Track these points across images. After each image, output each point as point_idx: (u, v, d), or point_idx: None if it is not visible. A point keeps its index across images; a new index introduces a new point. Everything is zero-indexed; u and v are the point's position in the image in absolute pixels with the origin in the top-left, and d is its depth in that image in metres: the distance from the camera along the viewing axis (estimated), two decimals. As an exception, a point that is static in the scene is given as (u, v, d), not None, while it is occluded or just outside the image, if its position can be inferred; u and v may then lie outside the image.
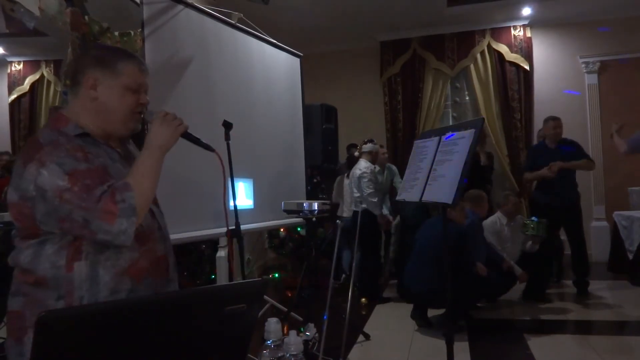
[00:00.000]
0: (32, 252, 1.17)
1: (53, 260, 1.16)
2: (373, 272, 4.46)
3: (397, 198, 2.39)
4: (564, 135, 4.52)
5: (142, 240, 1.24)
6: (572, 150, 4.34)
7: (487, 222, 4.24)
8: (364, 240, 4.06)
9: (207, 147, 1.42)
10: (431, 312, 3.76)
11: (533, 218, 4.09)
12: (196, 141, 1.39)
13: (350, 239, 4.94)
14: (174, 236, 2.68)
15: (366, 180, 4.32)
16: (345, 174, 5.40)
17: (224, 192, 1.52)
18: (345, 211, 5.09)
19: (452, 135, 2.08)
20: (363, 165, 4.44)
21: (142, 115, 1.33)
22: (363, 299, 4.14)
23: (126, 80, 1.27)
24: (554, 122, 4.42)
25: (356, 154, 4.69)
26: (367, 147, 4.54)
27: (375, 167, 4.50)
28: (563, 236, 4.73)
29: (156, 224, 1.33)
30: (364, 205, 4.33)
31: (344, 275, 5.08)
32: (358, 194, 4.40)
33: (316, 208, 3.16)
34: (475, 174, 4.67)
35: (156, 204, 1.39)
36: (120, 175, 1.22)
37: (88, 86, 1.26)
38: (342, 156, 5.21)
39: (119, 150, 1.33)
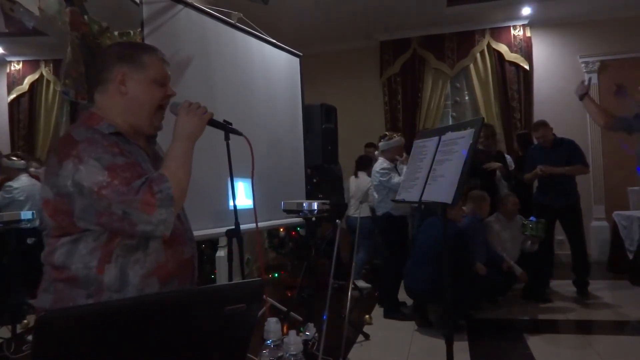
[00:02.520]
0: (65, 251, 1.18)
1: (86, 261, 1.17)
2: (393, 280, 4.01)
3: (397, 198, 2.39)
4: (564, 135, 4.52)
5: (170, 242, 1.24)
6: (567, 153, 4.34)
7: (486, 222, 4.25)
8: (391, 246, 3.96)
9: (235, 132, 1.42)
10: (431, 313, 3.76)
11: (532, 218, 4.10)
12: (223, 127, 1.40)
13: (360, 239, 4.98)
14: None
15: (385, 180, 3.87)
16: (354, 174, 5.43)
17: (252, 179, 1.50)
18: (351, 210, 5.09)
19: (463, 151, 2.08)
20: (379, 165, 4.00)
21: (164, 111, 1.34)
22: (367, 317, 3.79)
23: (152, 73, 1.29)
24: (538, 132, 4.43)
25: (376, 152, 4.29)
26: (383, 144, 4.08)
27: (396, 165, 4.02)
28: (562, 236, 4.74)
29: (182, 226, 1.34)
30: (379, 210, 4.00)
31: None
32: (379, 197, 3.98)
33: (316, 208, 3.16)
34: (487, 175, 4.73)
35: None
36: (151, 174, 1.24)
37: (117, 82, 1.27)
38: (342, 156, 5.21)
39: (148, 151, 1.35)
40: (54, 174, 1.16)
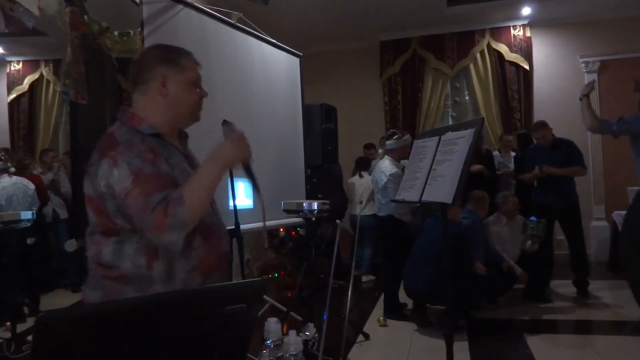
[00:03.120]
0: (112, 251, 1.21)
1: (134, 260, 1.21)
2: (393, 281, 3.98)
3: (397, 198, 2.39)
4: (563, 135, 4.52)
5: (208, 237, 1.28)
6: (566, 154, 4.35)
7: (486, 222, 4.25)
8: (390, 247, 3.95)
9: (257, 188, 1.40)
10: (431, 312, 3.76)
11: (532, 218, 4.10)
12: (251, 177, 1.39)
13: (367, 237, 4.98)
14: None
15: (392, 187, 3.71)
16: (358, 174, 5.44)
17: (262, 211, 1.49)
18: (357, 209, 5.08)
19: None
20: (389, 167, 3.85)
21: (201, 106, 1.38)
22: (381, 318, 3.76)
23: (190, 75, 1.34)
24: (538, 132, 4.44)
25: (380, 151, 4.17)
26: (393, 143, 3.91)
27: (403, 166, 3.87)
28: (562, 236, 4.73)
29: (217, 221, 1.36)
30: (384, 212, 3.91)
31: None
32: (385, 200, 3.86)
33: (316, 208, 3.16)
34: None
35: (213, 202, 1.42)
36: (186, 175, 1.27)
37: (159, 84, 1.30)
38: (342, 156, 5.21)
39: (183, 152, 1.38)
40: (94, 173, 1.20)
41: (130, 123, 1.28)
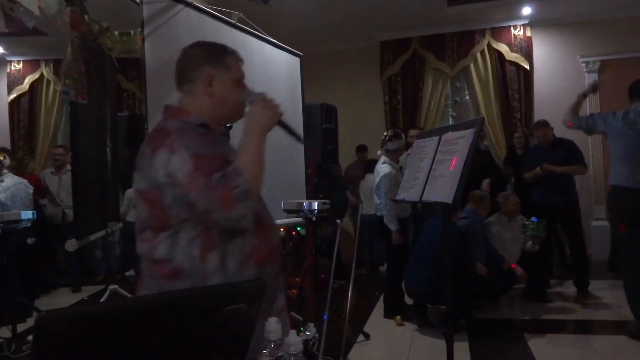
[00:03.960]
0: (167, 245, 1.20)
1: (188, 252, 1.19)
2: (393, 281, 3.97)
3: (397, 198, 2.39)
4: (564, 135, 4.52)
5: (260, 226, 1.27)
6: (567, 154, 4.36)
7: (487, 222, 4.25)
8: (389, 246, 3.93)
9: (297, 138, 1.43)
10: (431, 312, 3.76)
11: (533, 219, 4.10)
12: (289, 129, 1.41)
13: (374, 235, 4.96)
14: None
15: (384, 187, 3.76)
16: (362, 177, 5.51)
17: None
18: (364, 208, 5.09)
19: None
20: (383, 169, 3.85)
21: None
22: (398, 317, 3.76)
23: (235, 74, 1.34)
24: (538, 131, 4.48)
25: (379, 152, 4.10)
26: (393, 144, 3.92)
27: (399, 166, 3.93)
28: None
29: (266, 211, 1.37)
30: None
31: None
32: (378, 200, 3.88)
33: (316, 207, 3.16)
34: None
35: None
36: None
37: (205, 83, 1.30)
38: (342, 156, 5.22)
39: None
40: (148, 165, 1.19)
41: (177, 116, 1.28)
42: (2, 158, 4.42)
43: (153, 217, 1.21)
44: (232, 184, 1.14)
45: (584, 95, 3.66)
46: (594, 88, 3.70)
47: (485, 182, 4.80)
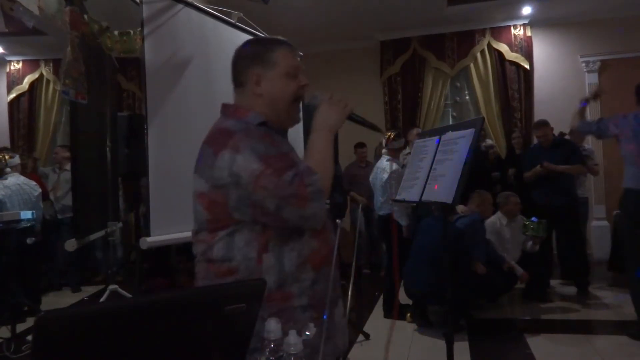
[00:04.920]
0: (224, 245, 1.19)
1: (244, 252, 1.18)
2: (392, 283, 3.93)
3: (397, 198, 2.39)
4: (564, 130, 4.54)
5: (319, 230, 1.25)
6: (566, 154, 4.36)
7: (487, 222, 4.24)
8: (391, 247, 3.92)
9: (374, 127, 1.43)
10: (431, 313, 3.75)
11: (533, 219, 4.10)
12: (362, 122, 1.39)
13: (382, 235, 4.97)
14: (174, 236, 2.68)
15: (394, 183, 3.68)
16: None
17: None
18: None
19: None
20: (390, 165, 3.88)
21: (302, 102, 1.36)
22: (408, 314, 3.78)
23: (283, 68, 1.29)
24: (539, 131, 4.50)
25: (383, 151, 4.16)
26: (397, 143, 4.01)
27: (403, 164, 3.97)
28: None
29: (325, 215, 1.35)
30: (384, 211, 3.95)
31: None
32: (384, 198, 3.90)
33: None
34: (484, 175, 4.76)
35: None
36: (298, 161, 1.25)
37: (253, 83, 1.29)
38: (342, 156, 5.21)
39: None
40: (210, 166, 1.17)
41: (236, 115, 1.27)
42: (8, 157, 4.45)
43: (210, 220, 1.20)
44: (307, 181, 1.12)
45: (587, 101, 3.70)
46: (595, 95, 3.74)
47: (511, 172, 4.95)
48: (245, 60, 1.31)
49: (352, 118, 1.35)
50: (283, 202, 1.11)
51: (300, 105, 1.36)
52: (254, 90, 1.29)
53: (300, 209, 1.12)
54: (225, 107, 1.32)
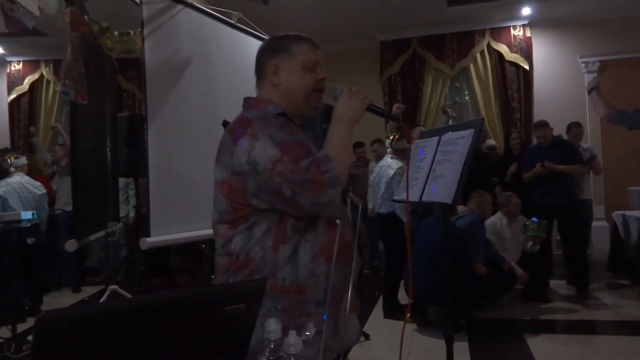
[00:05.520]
0: (243, 238, 1.20)
1: (262, 243, 1.19)
2: (393, 281, 4.00)
3: (396, 198, 2.40)
4: (564, 135, 4.53)
5: (332, 221, 1.24)
6: (566, 154, 4.36)
7: (487, 223, 4.25)
8: (391, 247, 3.94)
9: (393, 118, 1.43)
10: (431, 313, 3.75)
11: (533, 219, 4.10)
12: (381, 113, 1.40)
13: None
14: (174, 236, 2.68)
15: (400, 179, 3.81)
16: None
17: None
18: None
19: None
20: (395, 162, 3.98)
21: (322, 94, 1.36)
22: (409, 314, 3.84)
23: (301, 60, 1.31)
24: (539, 131, 4.48)
25: (388, 150, 4.20)
26: (402, 144, 4.08)
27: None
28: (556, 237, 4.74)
29: (342, 209, 1.34)
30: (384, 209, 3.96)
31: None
32: (387, 195, 3.92)
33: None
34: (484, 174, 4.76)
35: None
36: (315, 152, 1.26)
37: (270, 74, 1.31)
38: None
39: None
40: (229, 154, 1.19)
41: (256, 106, 1.30)
42: (13, 158, 4.49)
43: (232, 209, 1.21)
44: (324, 168, 1.13)
45: (595, 89, 3.55)
46: (596, 82, 3.61)
47: (513, 167, 4.98)
48: (266, 53, 1.34)
49: (372, 109, 1.36)
50: (299, 188, 1.12)
51: (328, 94, 1.37)
52: (272, 80, 1.31)
53: (316, 195, 1.12)
54: (246, 100, 1.35)
